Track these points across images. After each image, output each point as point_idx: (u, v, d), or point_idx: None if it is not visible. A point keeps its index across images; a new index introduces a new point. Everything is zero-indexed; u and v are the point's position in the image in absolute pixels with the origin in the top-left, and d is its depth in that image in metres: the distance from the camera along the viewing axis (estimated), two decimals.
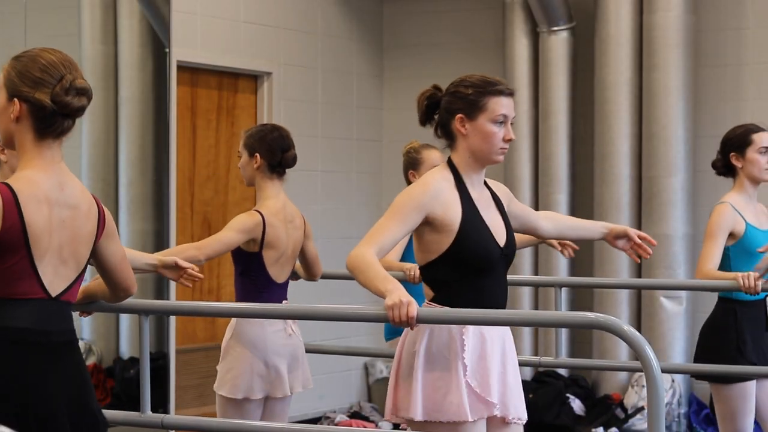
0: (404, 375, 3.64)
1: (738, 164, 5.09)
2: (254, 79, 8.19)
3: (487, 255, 3.63)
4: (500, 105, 3.64)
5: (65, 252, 3.13)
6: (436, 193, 3.61)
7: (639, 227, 8.05)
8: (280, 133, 4.94)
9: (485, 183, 3.80)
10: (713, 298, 5.18)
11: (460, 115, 3.66)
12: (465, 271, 3.59)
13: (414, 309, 3.26)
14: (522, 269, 8.37)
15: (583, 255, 8.31)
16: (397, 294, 3.29)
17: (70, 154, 7.68)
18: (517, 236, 5.16)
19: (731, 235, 4.98)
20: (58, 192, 3.12)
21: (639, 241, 4.13)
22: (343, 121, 8.85)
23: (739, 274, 4.77)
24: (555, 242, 5.29)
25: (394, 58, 9.20)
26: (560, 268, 8.31)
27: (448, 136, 3.72)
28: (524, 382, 8.23)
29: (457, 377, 3.57)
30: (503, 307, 3.68)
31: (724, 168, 5.16)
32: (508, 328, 3.74)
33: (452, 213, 3.62)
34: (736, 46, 8.15)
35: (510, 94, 3.67)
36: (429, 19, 9.14)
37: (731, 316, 5.00)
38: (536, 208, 8.43)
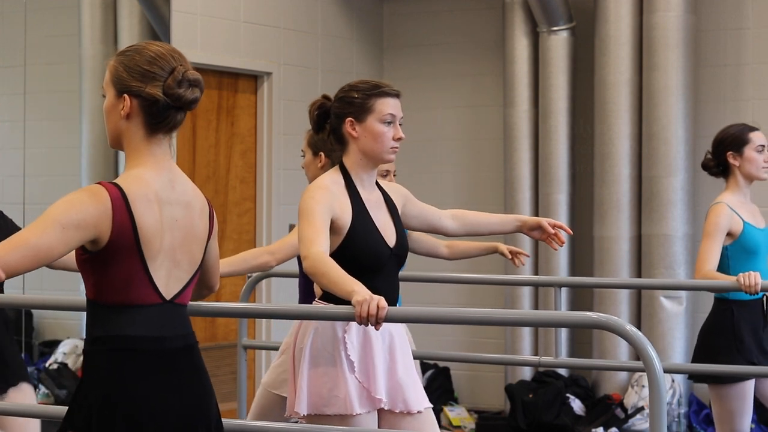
0: (296, 372, 3.76)
1: (735, 163, 5.10)
2: (254, 79, 8.20)
3: (375, 255, 3.74)
4: (387, 105, 3.80)
5: (178, 253, 2.93)
6: (333, 194, 3.72)
7: (639, 227, 8.05)
8: None
9: (378, 185, 3.89)
10: (713, 298, 5.18)
11: (349, 119, 3.78)
12: (354, 270, 3.60)
13: (384, 302, 3.29)
14: (522, 269, 8.35)
15: (583, 255, 8.31)
16: (365, 291, 3.33)
17: (71, 154, 7.68)
18: (468, 244, 5.13)
19: (729, 234, 4.98)
20: (169, 190, 2.93)
21: (553, 231, 4.09)
22: None
23: (740, 273, 4.77)
24: (506, 251, 5.12)
25: (394, 58, 9.20)
26: (560, 268, 8.31)
27: (340, 141, 3.83)
28: (524, 382, 8.26)
29: (343, 372, 3.67)
30: (394, 305, 3.71)
31: (718, 168, 5.16)
32: (401, 324, 3.83)
33: (345, 215, 3.72)
34: (736, 46, 8.15)
35: (396, 95, 3.84)
36: (429, 19, 9.14)
37: (728, 316, 4.99)
38: (536, 209, 8.42)
